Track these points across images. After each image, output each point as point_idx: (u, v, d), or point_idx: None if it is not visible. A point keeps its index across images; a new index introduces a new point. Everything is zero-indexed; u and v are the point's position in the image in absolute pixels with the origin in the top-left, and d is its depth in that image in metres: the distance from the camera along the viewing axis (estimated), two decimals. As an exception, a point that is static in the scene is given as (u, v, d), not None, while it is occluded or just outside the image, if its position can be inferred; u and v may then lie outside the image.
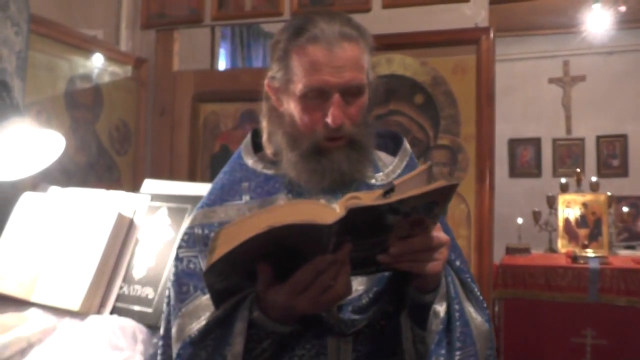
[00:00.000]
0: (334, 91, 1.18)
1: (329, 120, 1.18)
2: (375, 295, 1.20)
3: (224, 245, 0.93)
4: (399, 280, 1.18)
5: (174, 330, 1.20)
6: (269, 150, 1.31)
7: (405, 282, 1.17)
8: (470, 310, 1.24)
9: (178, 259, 1.27)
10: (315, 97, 1.19)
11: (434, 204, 1.03)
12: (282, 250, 0.96)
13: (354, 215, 0.93)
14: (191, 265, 1.25)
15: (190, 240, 1.27)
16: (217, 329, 1.14)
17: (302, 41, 1.18)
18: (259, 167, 1.32)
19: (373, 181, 1.32)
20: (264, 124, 1.33)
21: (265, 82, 1.29)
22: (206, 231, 1.25)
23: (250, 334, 1.09)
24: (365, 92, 1.24)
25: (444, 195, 1.04)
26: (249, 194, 1.28)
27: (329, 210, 0.95)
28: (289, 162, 1.25)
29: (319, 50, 1.16)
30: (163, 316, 1.30)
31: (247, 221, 0.95)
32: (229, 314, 1.12)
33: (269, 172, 1.30)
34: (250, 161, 1.34)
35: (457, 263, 1.29)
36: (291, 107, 1.23)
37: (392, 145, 1.43)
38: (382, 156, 1.40)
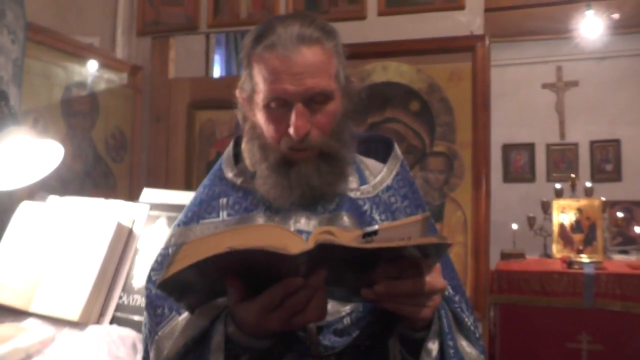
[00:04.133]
0: (296, 100, 1.11)
1: (291, 131, 1.11)
2: (359, 317, 1.13)
3: (182, 261, 0.89)
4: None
5: (151, 355, 1.16)
6: (247, 161, 1.24)
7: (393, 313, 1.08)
8: (464, 344, 1.17)
9: (151, 281, 1.23)
10: (278, 107, 1.12)
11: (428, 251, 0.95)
12: (253, 267, 0.92)
13: (326, 250, 0.88)
14: None
15: (164, 262, 1.20)
16: (196, 348, 1.09)
17: (260, 49, 1.12)
18: (238, 181, 1.26)
19: (358, 194, 1.23)
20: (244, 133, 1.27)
21: (237, 91, 1.23)
22: None
23: (227, 348, 1.04)
24: (334, 98, 1.15)
25: (436, 250, 0.96)
26: (226, 210, 1.23)
27: (298, 240, 0.90)
28: (260, 175, 1.19)
29: (275, 58, 1.10)
30: (142, 337, 1.26)
31: (210, 239, 0.91)
32: (205, 330, 1.09)
33: (248, 186, 1.24)
34: (230, 174, 1.28)
35: (446, 293, 1.19)
36: (259, 117, 1.18)
37: (383, 150, 1.34)
38: (370, 164, 1.32)
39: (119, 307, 1.67)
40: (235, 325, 1.02)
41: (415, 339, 1.09)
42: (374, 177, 1.28)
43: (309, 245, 0.88)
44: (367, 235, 0.94)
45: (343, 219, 1.19)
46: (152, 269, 1.25)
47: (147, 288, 1.24)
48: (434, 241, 0.94)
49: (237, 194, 1.24)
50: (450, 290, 1.22)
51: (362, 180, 1.27)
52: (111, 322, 1.65)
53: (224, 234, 0.92)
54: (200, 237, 0.94)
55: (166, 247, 1.24)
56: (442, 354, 1.09)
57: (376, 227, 0.95)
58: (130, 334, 1.58)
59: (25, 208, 1.89)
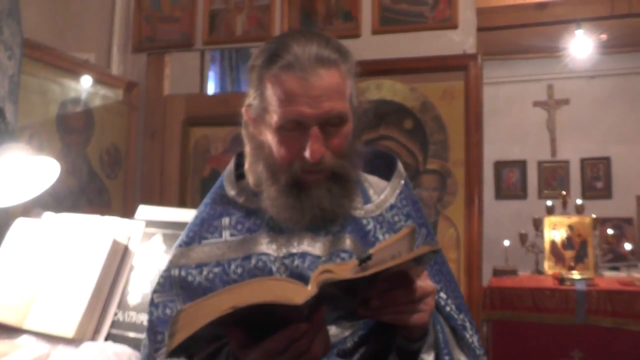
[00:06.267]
0: (312, 123, 1.09)
1: (307, 154, 1.09)
2: (361, 338, 1.13)
3: (185, 330, 0.87)
4: (386, 323, 1.09)
5: None
6: (250, 180, 1.22)
7: (392, 326, 1.09)
8: (461, 359, 1.17)
9: (153, 304, 1.22)
10: (292, 129, 1.10)
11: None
12: (254, 316, 0.90)
13: (328, 288, 0.89)
14: (167, 311, 1.18)
15: (167, 284, 1.21)
16: None
17: (276, 69, 1.09)
18: (240, 199, 1.25)
19: (362, 213, 1.22)
20: (247, 150, 1.24)
21: (243, 109, 1.20)
22: (183, 273, 1.19)
23: None
24: (348, 121, 1.14)
25: (427, 257, 0.98)
26: (229, 230, 1.21)
27: (298, 288, 0.89)
28: (269, 197, 1.17)
29: (293, 80, 1.07)
30: (140, 358, 1.25)
31: (208, 301, 0.89)
32: None
33: (251, 206, 1.22)
34: (232, 192, 1.26)
35: (448, 309, 1.21)
36: (269, 137, 1.15)
37: (386, 167, 1.32)
38: (374, 182, 1.30)
39: (114, 324, 1.66)
40: None
41: (413, 351, 1.09)
42: (377, 195, 1.27)
43: (312, 290, 0.88)
44: (362, 262, 0.95)
45: (346, 242, 1.17)
46: (155, 291, 1.23)
47: (149, 312, 1.22)
48: (426, 251, 0.95)
49: (240, 212, 1.23)
50: (454, 307, 1.22)
51: (366, 199, 1.25)
52: (106, 339, 1.64)
53: (222, 294, 0.90)
54: (196, 302, 0.91)
55: (168, 269, 1.22)
56: None
57: (370, 252, 0.97)
58: (125, 350, 1.58)
59: (20, 225, 1.89)
